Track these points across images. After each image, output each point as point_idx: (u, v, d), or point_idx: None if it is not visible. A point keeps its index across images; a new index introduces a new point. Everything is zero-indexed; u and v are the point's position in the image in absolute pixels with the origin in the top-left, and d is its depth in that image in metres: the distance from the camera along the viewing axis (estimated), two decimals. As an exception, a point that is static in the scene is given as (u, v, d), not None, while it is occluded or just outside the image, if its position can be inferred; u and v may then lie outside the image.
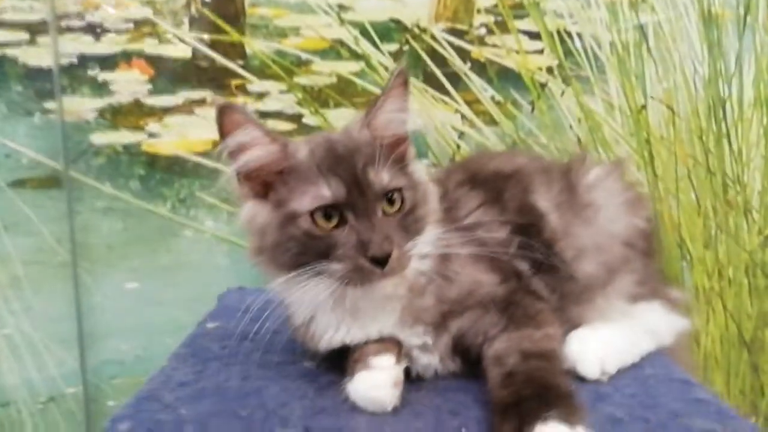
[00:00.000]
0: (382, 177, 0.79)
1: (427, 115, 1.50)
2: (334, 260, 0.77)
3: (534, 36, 1.51)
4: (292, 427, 0.76)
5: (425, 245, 0.83)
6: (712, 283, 1.69)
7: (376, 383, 0.80)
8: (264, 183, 0.81)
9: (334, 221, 0.78)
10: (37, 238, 1.43)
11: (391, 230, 0.78)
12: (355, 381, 0.81)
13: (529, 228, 0.95)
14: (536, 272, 0.93)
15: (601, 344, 0.91)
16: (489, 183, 1.00)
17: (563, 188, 1.01)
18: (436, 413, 0.80)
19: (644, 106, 1.57)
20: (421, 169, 0.88)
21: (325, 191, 0.78)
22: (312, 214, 0.78)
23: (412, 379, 0.86)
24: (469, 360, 0.87)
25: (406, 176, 0.83)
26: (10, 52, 1.36)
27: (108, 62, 1.40)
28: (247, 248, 0.85)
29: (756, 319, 1.72)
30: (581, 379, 0.86)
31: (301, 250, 0.78)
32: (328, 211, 0.78)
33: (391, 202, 0.80)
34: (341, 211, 0.78)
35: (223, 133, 0.79)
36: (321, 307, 0.83)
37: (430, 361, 0.87)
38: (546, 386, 0.73)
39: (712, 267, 1.68)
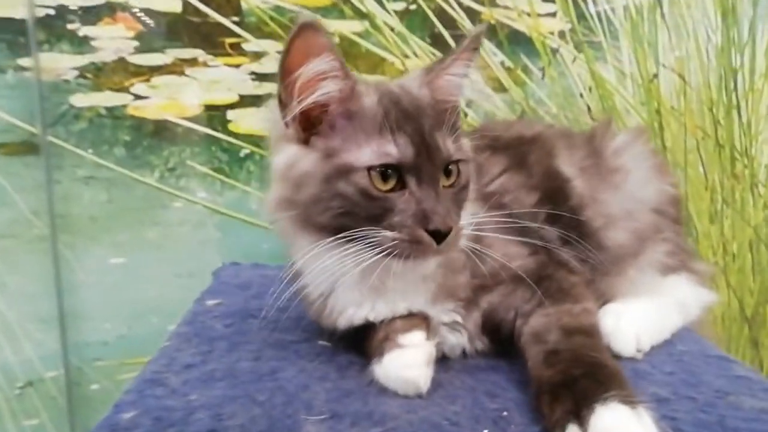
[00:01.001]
0: (449, 145, 0.73)
1: (434, 81, 1.41)
2: (387, 228, 0.69)
3: (547, -2, 1.44)
4: (318, 412, 0.68)
5: (468, 222, 0.76)
6: (716, 259, 1.66)
7: (408, 362, 0.73)
8: (313, 125, 0.72)
9: (391, 183, 0.70)
10: (12, 210, 1.31)
11: (451, 204, 0.72)
12: (384, 361, 0.73)
13: (555, 194, 0.90)
14: (565, 242, 0.87)
15: (635, 320, 0.86)
16: (512, 148, 0.94)
17: (588, 154, 0.96)
18: (472, 395, 0.74)
19: (656, 75, 1.52)
20: (467, 143, 0.80)
21: (392, 149, 0.70)
22: (370, 170, 0.69)
23: (437, 359, 0.79)
24: (499, 338, 0.80)
25: (461, 148, 0.76)
26: (-21, 1, 1.23)
27: (90, 15, 1.27)
28: (268, 199, 0.75)
29: (758, 294, 1.70)
30: (615, 357, 0.80)
31: (347, 211, 0.69)
32: (389, 171, 0.70)
33: (448, 174, 0.73)
34: (401, 174, 0.70)
35: (300, 57, 0.69)
36: (345, 280, 0.74)
37: (458, 339, 0.81)
38: (596, 364, 0.67)
39: (717, 242, 1.65)
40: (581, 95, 1.49)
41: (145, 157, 1.34)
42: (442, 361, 0.80)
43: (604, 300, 0.90)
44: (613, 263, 0.92)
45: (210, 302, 1.06)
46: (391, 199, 0.70)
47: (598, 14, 1.46)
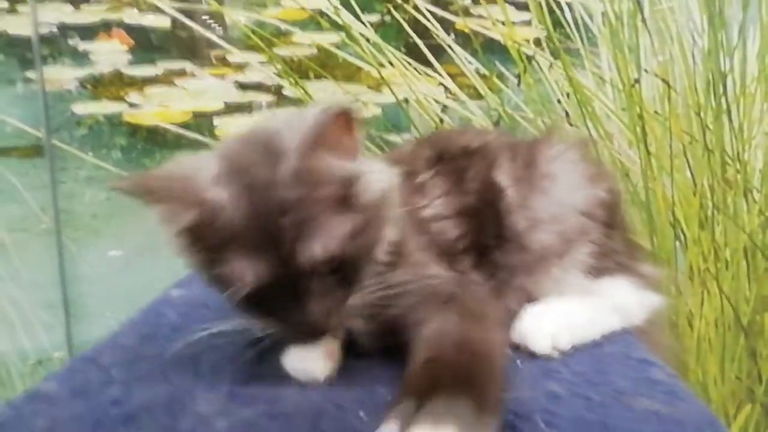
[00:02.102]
0: (313, 249, 0.67)
1: (409, 88, 1.47)
2: (275, 322, 0.72)
3: (521, 6, 1.46)
4: (217, 391, 0.75)
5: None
6: (707, 265, 1.65)
7: (307, 355, 0.78)
8: None
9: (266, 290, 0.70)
10: (23, 206, 1.46)
11: (328, 300, 0.69)
12: (288, 352, 0.80)
13: (485, 208, 0.93)
14: (480, 259, 0.90)
15: (554, 317, 0.88)
16: (454, 162, 0.97)
17: (525, 162, 0.98)
18: (371, 385, 0.79)
19: (638, 80, 1.52)
20: (375, 177, 0.75)
21: (248, 275, 0.67)
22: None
23: (360, 351, 0.85)
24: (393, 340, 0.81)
25: (352, 214, 0.72)
26: (-9, 20, 1.39)
27: (88, 32, 1.40)
28: None
29: (754, 302, 1.67)
30: (532, 355, 0.83)
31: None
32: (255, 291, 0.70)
33: (329, 263, 0.70)
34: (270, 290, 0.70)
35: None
36: None
37: (366, 339, 0.83)
38: (468, 382, 0.66)
39: (708, 248, 1.64)
40: (559, 101, 1.51)
41: (140, 160, 1.47)
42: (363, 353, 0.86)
43: (528, 299, 0.92)
44: (536, 263, 0.94)
45: (175, 293, 1.15)
46: (269, 304, 0.70)
47: (575, 21, 1.47)
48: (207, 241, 0.69)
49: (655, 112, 1.54)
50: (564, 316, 0.89)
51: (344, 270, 0.71)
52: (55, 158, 1.44)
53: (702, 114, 1.56)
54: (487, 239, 0.92)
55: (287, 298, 0.69)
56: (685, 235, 1.62)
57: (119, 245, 1.50)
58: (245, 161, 0.70)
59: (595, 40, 1.49)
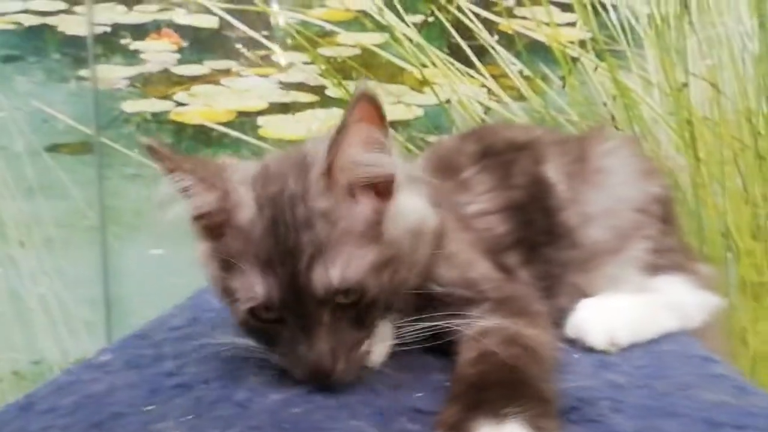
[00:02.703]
0: (331, 275, 0.61)
1: (452, 89, 1.47)
2: (279, 353, 0.66)
3: (566, 8, 1.46)
4: (268, 369, 0.73)
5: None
6: (761, 278, 1.58)
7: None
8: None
9: (273, 315, 0.64)
10: (69, 202, 1.49)
11: (338, 338, 0.63)
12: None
13: (534, 202, 0.90)
14: (529, 255, 0.87)
15: (611, 313, 0.84)
16: (500, 156, 0.95)
17: (576, 158, 0.96)
18: (424, 370, 0.75)
19: (685, 84, 1.49)
20: (409, 209, 0.68)
21: (259, 289, 0.63)
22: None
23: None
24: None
25: (378, 245, 0.65)
26: (49, 20, 1.43)
27: (139, 31, 1.44)
28: None
29: (811, 318, 1.59)
30: (588, 350, 0.80)
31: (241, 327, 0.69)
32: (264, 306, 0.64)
33: (346, 294, 0.63)
34: (279, 309, 0.64)
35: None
36: None
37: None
38: (521, 380, 0.61)
39: (761, 260, 1.57)
40: (605, 104, 1.49)
41: (184, 158, 1.49)
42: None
43: (582, 295, 0.89)
44: (589, 259, 0.91)
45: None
46: (275, 328, 0.65)
47: (621, 23, 1.46)
48: (221, 240, 0.66)
49: (704, 117, 1.50)
50: (621, 311, 0.85)
51: (361, 308, 0.64)
52: (102, 155, 1.47)
53: (753, 120, 1.51)
54: (537, 235, 0.89)
55: (294, 327, 0.64)
56: (737, 245, 1.56)
57: (160, 243, 1.51)
58: (278, 171, 0.67)
59: (641, 42, 1.47)
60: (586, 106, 1.49)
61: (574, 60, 1.47)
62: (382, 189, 0.66)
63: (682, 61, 1.48)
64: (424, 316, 0.69)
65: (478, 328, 0.70)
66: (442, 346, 0.71)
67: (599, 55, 1.47)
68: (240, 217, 0.64)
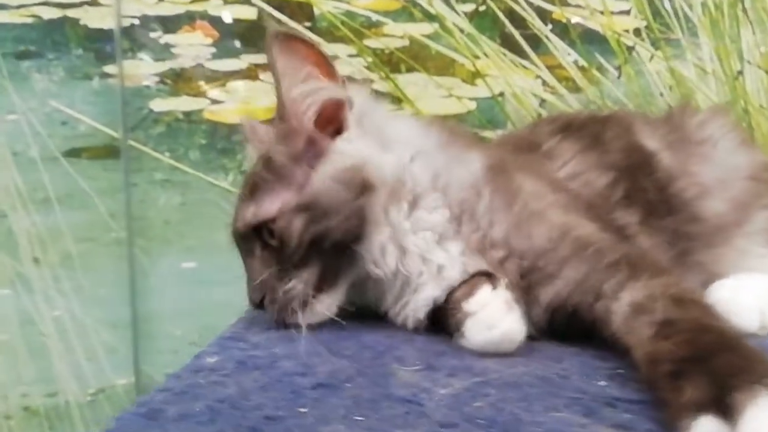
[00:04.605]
0: (246, 212, 0.73)
1: (505, 81, 1.39)
2: None
3: (620, -5, 1.40)
4: (411, 364, 0.63)
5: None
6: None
7: (488, 323, 0.67)
8: None
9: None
10: (91, 213, 1.34)
11: (264, 272, 0.72)
12: (466, 335, 0.68)
13: (638, 168, 0.85)
14: (647, 220, 0.80)
15: (758, 293, 0.77)
16: (585, 128, 0.90)
17: (670, 130, 0.91)
18: (578, 357, 0.66)
19: (741, 72, 1.44)
20: (349, 152, 0.73)
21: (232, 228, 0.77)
22: None
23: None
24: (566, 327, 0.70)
25: (301, 188, 0.72)
26: (71, 12, 1.30)
27: (171, 24, 1.32)
28: None
29: None
30: None
31: None
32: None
33: (269, 234, 0.72)
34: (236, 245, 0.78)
35: None
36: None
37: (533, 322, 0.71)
38: (731, 338, 0.53)
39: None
40: (661, 94, 1.43)
41: (219, 161, 1.36)
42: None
43: (710, 274, 0.82)
44: (714, 233, 0.85)
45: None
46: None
47: (675, 10, 1.41)
48: None
49: (761, 105, 1.46)
50: (764, 290, 0.77)
51: (284, 249, 0.70)
52: (129, 159, 1.33)
53: (810, 109, 1.47)
54: (651, 204, 0.83)
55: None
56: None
57: (193, 255, 1.37)
58: None
59: (695, 30, 1.43)
60: (642, 96, 1.43)
61: (629, 49, 1.41)
62: (336, 122, 0.72)
63: (737, 49, 1.44)
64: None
65: (626, 303, 0.62)
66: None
67: (654, 44, 1.42)
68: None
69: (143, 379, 1.38)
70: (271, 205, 0.71)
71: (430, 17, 1.36)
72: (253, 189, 0.73)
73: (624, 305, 0.62)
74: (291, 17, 1.34)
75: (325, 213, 0.70)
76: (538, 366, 0.63)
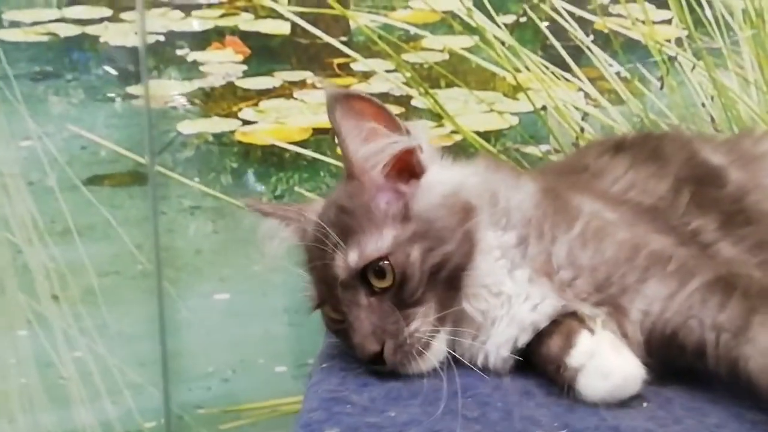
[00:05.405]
0: (350, 257, 0.66)
1: (548, 95, 1.34)
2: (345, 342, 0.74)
3: (661, 4, 1.36)
4: (549, 427, 0.58)
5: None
6: None
7: (603, 371, 0.62)
8: None
9: (335, 315, 0.71)
10: (115, 244, 1.24)
11: (379, 318, 0.66)
12: (583, 392, 0.62)
13: (706, 182, 0.81)
14: (726, 227, 0.76)
15: None
16: (638, 145, 0.88)
17: (729, 149, 0.89)
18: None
19: (782, 81, 1.41)
20: (440, 179, 0.71)
21: (311, 293, 0.74)
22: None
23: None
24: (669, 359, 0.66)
25: (403, 223, 0.67)
26: (91, 30, 1.21)
27: (199, 40, 1.24)
28: None
29: None
30: None
31: None
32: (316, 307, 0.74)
33: (379, 275, 0.66)
34: (327, 305, 0.72)
35: None
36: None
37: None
38: None
39: None
40: (703, 105, 1.39)
41: (253, 185, 1.28)
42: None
43: None
44: None
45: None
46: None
47: (716, 19, 1.38)
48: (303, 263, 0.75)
49: (801, 114, 1.43)
50: None
51: (400, 288, 0.65)
52: (155, 186, 1.24)
53: None
54: (728, 215, 0.78)
55: (347, 319, 0.68)
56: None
57: (226, 287, 1.28)
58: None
59: (736, 39, 1.40)
60: (684, 107, 1.39)
61: (671, 59, 1.37)
62: (408, 167, 0.70)
63: (778, 58, 1.41)
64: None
65: (764, 344, 0.57)
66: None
67: (696, 54, 1.38)
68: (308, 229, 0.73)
69: (173, 420, 1.28)
70: (380, 242, 0.66)
71: (470, 30, 1.30)
72: (341, 239, 0.67)
73: (759, 350, 0.57)
74: (326, 31, 1.26)
75: (441, 239, 0.66)
76: (692, 423, 0.57)
